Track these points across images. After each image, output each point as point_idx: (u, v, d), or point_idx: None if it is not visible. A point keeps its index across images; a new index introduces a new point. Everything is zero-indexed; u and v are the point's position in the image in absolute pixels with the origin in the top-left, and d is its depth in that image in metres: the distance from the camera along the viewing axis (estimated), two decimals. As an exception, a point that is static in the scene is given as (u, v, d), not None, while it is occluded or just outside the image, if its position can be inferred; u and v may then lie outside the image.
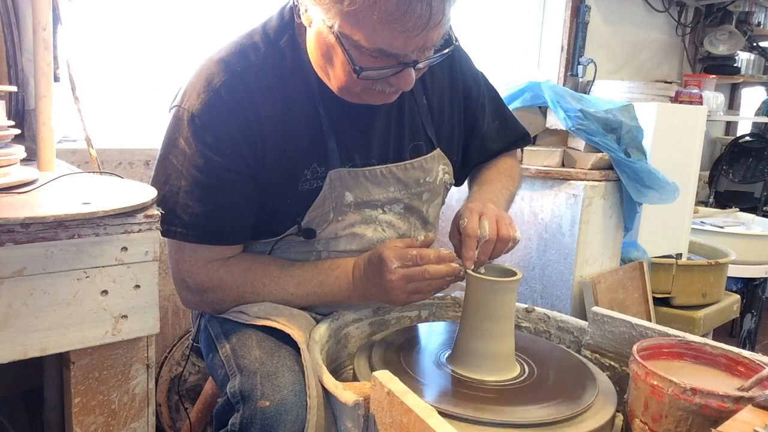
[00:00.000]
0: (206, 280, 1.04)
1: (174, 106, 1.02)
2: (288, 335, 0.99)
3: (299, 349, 0.96)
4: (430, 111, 1.14)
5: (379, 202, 1.09)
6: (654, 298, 2.06)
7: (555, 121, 1.88)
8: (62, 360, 0.88)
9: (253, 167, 1.01)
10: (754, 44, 3.88)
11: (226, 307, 1.07)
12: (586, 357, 1.10)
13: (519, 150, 1.37)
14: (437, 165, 1.15)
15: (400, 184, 1.11)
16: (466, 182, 1.31)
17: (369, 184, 1.08)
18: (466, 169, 1.28)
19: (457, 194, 1.37)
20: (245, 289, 1.06)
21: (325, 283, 1.06)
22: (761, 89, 4.28)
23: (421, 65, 0.92)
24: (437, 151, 1.15)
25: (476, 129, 1.24)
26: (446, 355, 1.01)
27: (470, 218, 0.99)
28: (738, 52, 3.81)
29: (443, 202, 1.23)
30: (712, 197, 3.82)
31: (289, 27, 1.03)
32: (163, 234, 0.95)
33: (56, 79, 1.15)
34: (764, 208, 3.59)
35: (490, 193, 1.14)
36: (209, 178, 0.99)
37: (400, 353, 1.01)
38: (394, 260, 0.97)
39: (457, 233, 1.00)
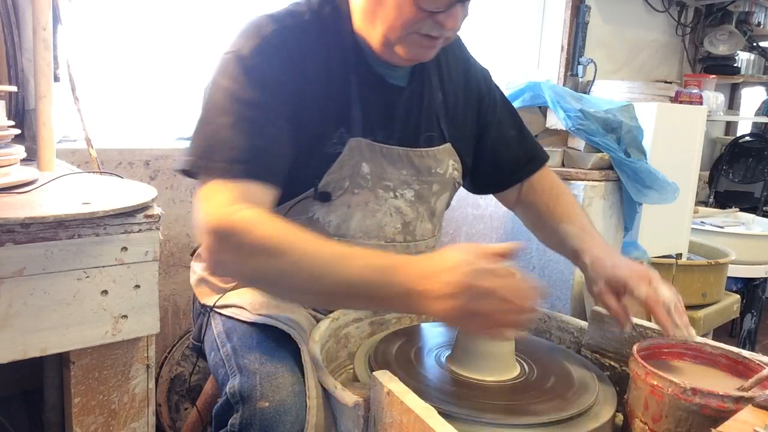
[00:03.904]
0: (230, 222, 0.85)
1: (222, 56, 1.00)
2: (289, 335, 0.99)
3: (299, 349, 0.96)
4: (444, 106, 1.17)
5: (391, 183, 1.10)
6: (654, 298, 2.05)
7: (555, 121, 1.88)
8: (62, 360, 0.88)
9: (293, 116, 0.99)
10: (754, 44, 3.87)
11: (247, 256, 0.85)
12: (586, 357, 1.10)
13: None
14: (447, 159, 1.17)
15: (413, 169, 1.12)
16: (509, 201, 1.31)
17: (385, 161, 1.08)
18: (479, 177, 1.28)
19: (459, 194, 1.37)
20: (277, 246, 0.84)
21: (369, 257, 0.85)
22: (761, 89, 4.28)
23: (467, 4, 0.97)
24: (448, 145, 1.17)
25: (488, 134, 1.25)
26: (446, 355, 1.00)
27: (644, 287, 1.00)
28: (738, 52, 3.80)
29: (450, 202, 1.24)
30: (712, 197, 3.82)
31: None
32: (200, 175, 0.90)
33: (56, 79, 1.15)
34: (764, 208, 3.59)
35: (602, 242, 1.14)
36: (254, 112, 0.95)
37: (400, 353, 1.01)
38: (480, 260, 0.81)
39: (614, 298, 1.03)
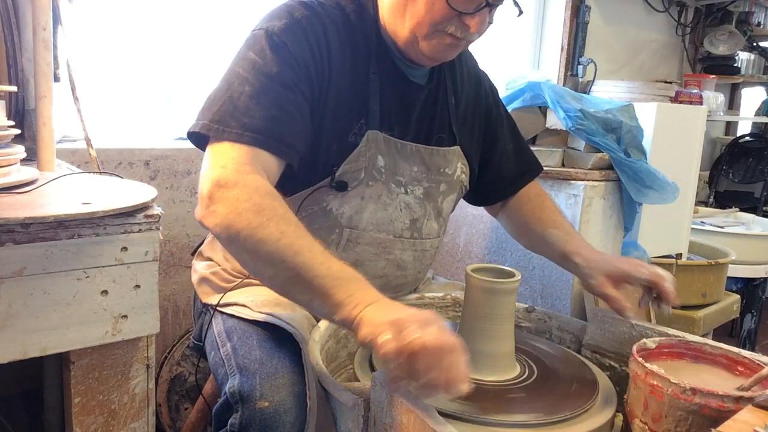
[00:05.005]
0: (235, 177, 0.88)
1: (252, 32, 1.02)
2: (289, 335, 0.99)
3: (300, 349, 0.96)
4: (456, 111, 1.20)
5: (403, 179, 1.12)
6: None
7: (555, 121, 1.88)
8: (62, 360, 0.88)
9: (316, 98, 1.01)
10: (754, 44, 3.87)
11: (236, 212, 0.86)
12: (586, 357, 1.10)
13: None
14: (456, 160, 1.19)
15: (423, 166, 1.14)
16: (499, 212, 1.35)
17: (398, 156, 1.10)
18: (480, 190, 1.31)
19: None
20: (266, 213, 0.86)
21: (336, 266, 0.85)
22: (761, 89, 4.28)
23: (495, 7, 1.02)
24: (457, 148, 1.19)
25: (495, 147, 1.29)
26: (446, 355, 1.00)
27: (644, 270, 1.12)
28: (738, 52, 3.80)
29: (455, 204, 1.25)
30: (712, 197, 3.82)
31: None
32: (214, 138, 0.92)
33: (56, 79, 1.15)
34: (764, 208, 3.59)
35: (587, 244, 1.21)
36: (276, 86, 0.96)
37: (400, 353, 1.00)
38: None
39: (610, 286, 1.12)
